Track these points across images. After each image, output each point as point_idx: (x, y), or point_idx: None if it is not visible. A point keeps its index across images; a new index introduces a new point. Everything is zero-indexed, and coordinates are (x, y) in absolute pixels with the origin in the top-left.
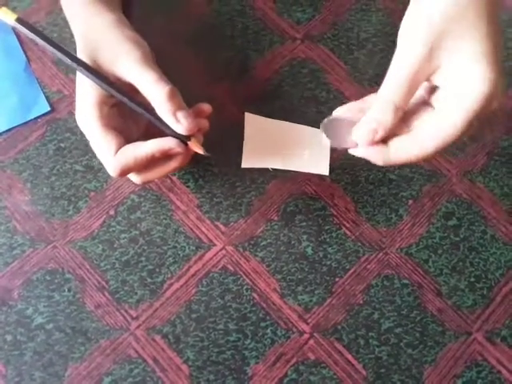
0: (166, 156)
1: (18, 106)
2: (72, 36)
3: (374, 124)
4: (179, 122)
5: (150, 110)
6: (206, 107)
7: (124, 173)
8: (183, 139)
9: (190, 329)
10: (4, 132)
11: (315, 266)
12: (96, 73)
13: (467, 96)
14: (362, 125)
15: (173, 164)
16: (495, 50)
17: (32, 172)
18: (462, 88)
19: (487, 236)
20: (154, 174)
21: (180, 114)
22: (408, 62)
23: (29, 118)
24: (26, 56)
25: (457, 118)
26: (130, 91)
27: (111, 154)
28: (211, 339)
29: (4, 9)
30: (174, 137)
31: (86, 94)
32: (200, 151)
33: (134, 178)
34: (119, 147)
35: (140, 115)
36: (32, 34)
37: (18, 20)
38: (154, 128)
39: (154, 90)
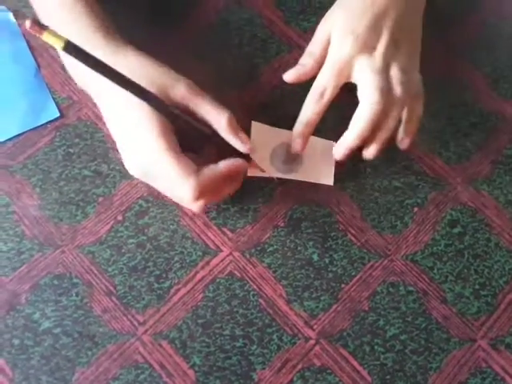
0: (230, 177)
1: (27, 111)
2: None
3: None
4: (243, 142)
5: (213, 131)
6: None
7: (202, 194)
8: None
9: (196, 334)
10: (14, 137)
11: (321, 273)
12: (159, 99)
13: (363, 102)
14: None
15: (234, 184)
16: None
17: (41, 177)
18: (361, 95)
19: (492, 244)
20: (217, 196)
21: (242, 135)
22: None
23: (38, 124)
24: (36, 62)
25: (361, 115)
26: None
27: (190, 177)
28: (218, 345)
29: (50, 31)
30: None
31: (148, 130)
32: (262, 168)
33: (196, 205)
34: (195, 170)
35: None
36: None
37: (67, 45)
38: (210, 155)
39: (217, 114)
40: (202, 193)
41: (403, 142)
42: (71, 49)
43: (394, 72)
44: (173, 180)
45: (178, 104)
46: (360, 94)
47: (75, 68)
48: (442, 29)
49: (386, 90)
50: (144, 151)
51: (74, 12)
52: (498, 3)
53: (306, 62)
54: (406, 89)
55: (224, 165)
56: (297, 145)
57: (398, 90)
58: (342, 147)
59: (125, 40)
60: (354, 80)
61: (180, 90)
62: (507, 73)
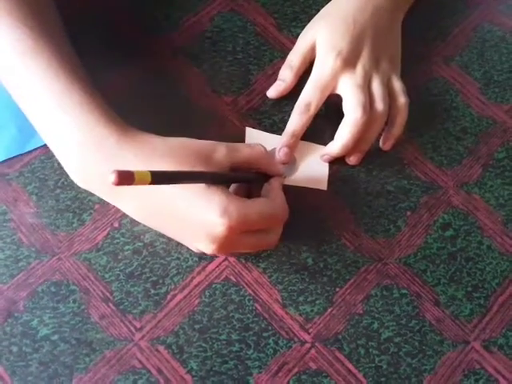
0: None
1: (16, 136)
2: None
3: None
4: (278, 167)
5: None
6: None
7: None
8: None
9: (193, 339)
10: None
11: (316, 277)
12: (216, 172)
13: (347, 116)
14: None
15: (273, 236)
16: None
17: (37, 185)
18: (346, 109)
19: (483, 246)
20: (253, 246)
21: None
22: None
23: (26, 150)
24: None
25: (345, 129)
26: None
27: (272, 202)
28: (214, 349)
29: (138, 174)
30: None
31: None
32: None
33: (272, 245)
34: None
35: None
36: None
37: (154, 177)
38: None
39: (253, 148)
40: (286, 216)
41: (385, 144)
42: (158, 178)
43: (375, 87)
44: (267, 215)
45: (223, 165)
46: (344, 108)
47: (81, 173)
48: (433, 34)
49: (367, 106)
50: (220, 218)
51: (75, 98)
52: (489, 8)
53: (286, 76)
54: (386, 104)
55: (276, 183)
56: (283, 155)
57: (379, 105)
58: (326, 156)
59: (132, 127)
60: (339, 92)
61: (221, 151)
62: (498, 77)
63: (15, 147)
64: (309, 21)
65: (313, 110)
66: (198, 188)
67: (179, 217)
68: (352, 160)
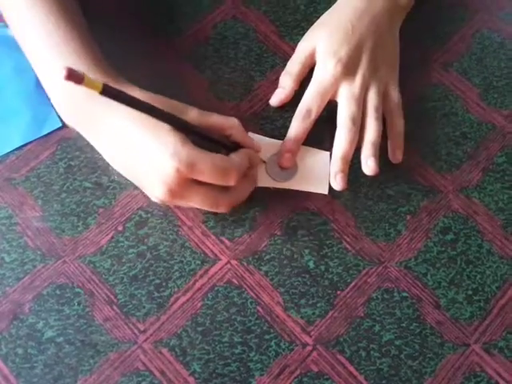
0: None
1: (30, 122)
2: None
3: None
4: (253, 141)
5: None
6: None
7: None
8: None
9: (196, 342)
10: (17, 149)
11: (317, 280)
12: (183, 119)
13: (338, 127)
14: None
15: (251, 181)
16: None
17: (43, 189)
18: (338, 119)
19: (483, 250)
20: (241, 194)
21: (250, 134)
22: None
23: (41, 134)
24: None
25: (337, 141)
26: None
27: (232, 159)
28: (217, 352)
29: (88, 80)
30: None
31: (172, 137)
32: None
33: (224, 207)
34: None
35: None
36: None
37: (104, 89)
38: None
39: (228, 120)
40: (240, 174)
41: (394, 157)
42: (108, 92)
43: (371, 97)
44: (213, 170)
45: (194, 123)
46: (337, 117)
47: (65, 107)
48: (432, 40)
49: (358, 118)
50: (173, 160)
51: (70, 46)
52: (488, 15)
53: (286, 84)
54: (379, 113)
55: (244, 151)
56: (285, 160)
57: (372, 114)
58: (338, 175)
59: (122, 76)
60: (337, 100)
61: (193, 112)
62: (497, 83)
63: (32, 132)
64: (309, 28)
65: (314, 116)
66: (160, 130)
67: (138, 156)
68: (366, 169)
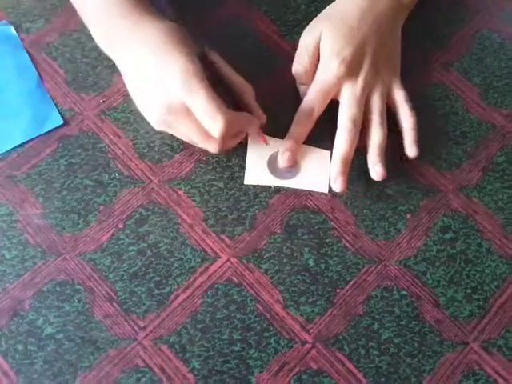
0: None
1: (32, 120)
2: (83, 56)
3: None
4: (259, 110)
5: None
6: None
7: (226, 133)
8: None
9: (195, 339)
10: (18, 147)
11: (317, 278)
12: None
13: (338, 128)
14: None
15: (240, 136)
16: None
17: (44, 186)
18: (339, 119)
19: (483, 249)
20: (227, 143)
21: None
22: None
23: (43, 132)
24: (39, 74)
25: (338, 141)
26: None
27: (222, 110)
28: (216, 349)
29: None
30: None
31: (182, 54)
32: (266, 139)
33: (216, 143)
34: (225, 105)
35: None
36: None
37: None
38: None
39: (244, 82)
40: (227, 130)
41: (410, 151)
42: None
43: (375, 100)
44: (205, 110)
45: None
46: (338, 118)
47: (102, 30)
48: (433, 40)
49: (358, 120)
50: (176, 80)
51: None
52: (488, 15)
53: (299, 73)
54: (384, 118)
55: (245, 114)
56: (286, 159)
57: (377, 119)
58: (338, 179)
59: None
60: (339, 99)
61: (215, 56)
62: (497, 83)
63: (33, 130)
64: None
65: (315, 115)
66: (172, 57)
67: (148, 75)
68: (374, 175)
